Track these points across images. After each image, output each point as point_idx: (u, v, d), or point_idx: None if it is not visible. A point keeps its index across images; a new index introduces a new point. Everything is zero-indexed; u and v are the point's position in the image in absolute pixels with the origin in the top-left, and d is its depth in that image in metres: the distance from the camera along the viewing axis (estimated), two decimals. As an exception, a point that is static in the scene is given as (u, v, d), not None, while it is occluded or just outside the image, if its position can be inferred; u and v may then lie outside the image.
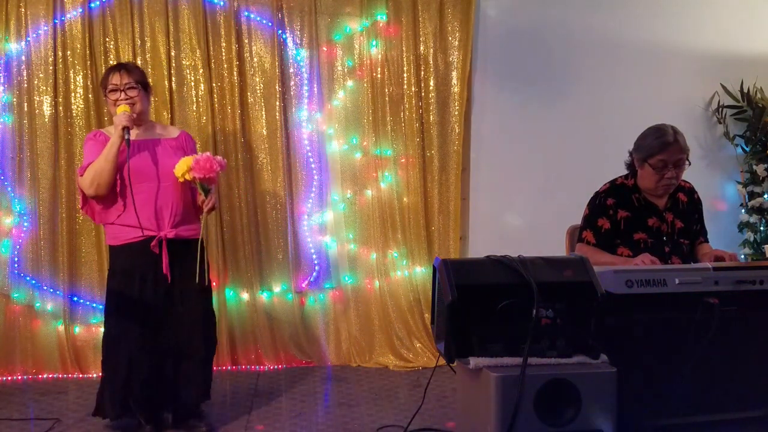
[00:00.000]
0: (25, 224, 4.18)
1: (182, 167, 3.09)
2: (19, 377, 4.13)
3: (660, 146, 3.02)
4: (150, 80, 3.64)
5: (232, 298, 4.32)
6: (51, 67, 4.13)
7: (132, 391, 3.13)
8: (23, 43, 4.12)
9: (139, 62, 4.15)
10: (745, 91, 4.65)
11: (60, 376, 4.14)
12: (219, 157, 3.14)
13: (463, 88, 4.41)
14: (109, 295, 3.23)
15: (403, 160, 4.42)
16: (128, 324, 3.14)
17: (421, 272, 4.42)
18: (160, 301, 3.17)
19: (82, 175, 3.15)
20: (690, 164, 3.12)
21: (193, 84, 4.22)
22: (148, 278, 3.16)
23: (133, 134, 3.20)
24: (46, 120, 4.14)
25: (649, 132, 3.12)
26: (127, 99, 3.18)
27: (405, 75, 4.38)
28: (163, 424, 3.24)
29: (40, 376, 4.14)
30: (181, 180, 3.12)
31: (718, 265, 2.70)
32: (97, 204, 3.19)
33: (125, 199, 3.12)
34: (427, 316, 4.32)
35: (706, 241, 3.28)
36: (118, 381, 3.13)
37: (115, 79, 3.20)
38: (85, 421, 3.42)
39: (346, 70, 4.39)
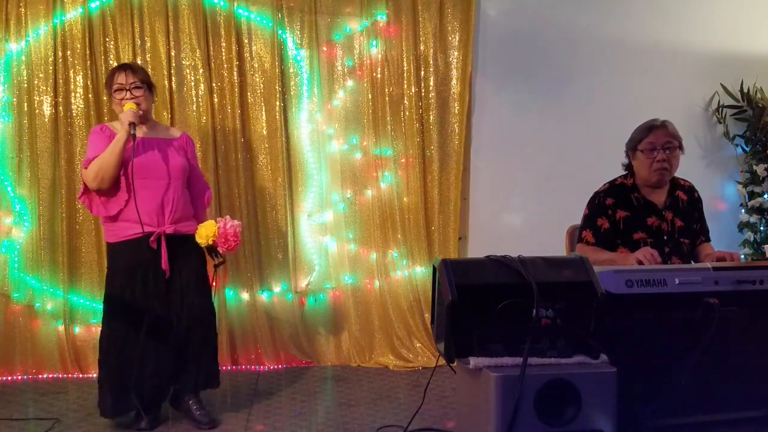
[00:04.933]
0: (25, 224, 4.18)
1: (206, 234, 3.21)
2: (19, 377, 4.13)
3: (647, 129, 3.12)
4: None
5: (232, 298, 4.31)
6: (51, 67, 4.13)
7: (133, 387, 3.15)
8: (23, 43, 4.12)
9: (139, 62, 4.15)
10: (745, 91, 4.65)
11: (60, 376, 4.14)
12: (236, 223, 3.26)
13: (463, 88, 4.41)
14: (109, 293, 3.25)
15: (403, 160, 4.42)
16: (130, 322, 3.16)
17: (421, 272, 4.42)
18: (161, 297, 3.21)
19: (86, 168, 3.18)
20: (683, 152, 3.15)
21: (193, 84, 4.22)
22: (148, 274, 3.19)
23: (140, 132, 3.27)
24: (46, 120, 4.14)
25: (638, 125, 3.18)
26: (132, 98, 3.23)
27: (405, 75, 4.38)
28: (160, 417, 3.28)
29: (40, 376, 4.14)
30: (203, 245, 3.25)
31: (718, 265, 2.70)
32: (99, 196, 3.21)
33: (127, 194, 3.15)
34: (427, 316, 4.31)
35: (708, 240, 3.28)
36: (118, 379, 3.16)
37: (121, 79, 3.26)
38: (85, 421, 3.42)
39: (346, 70, 4.39)
